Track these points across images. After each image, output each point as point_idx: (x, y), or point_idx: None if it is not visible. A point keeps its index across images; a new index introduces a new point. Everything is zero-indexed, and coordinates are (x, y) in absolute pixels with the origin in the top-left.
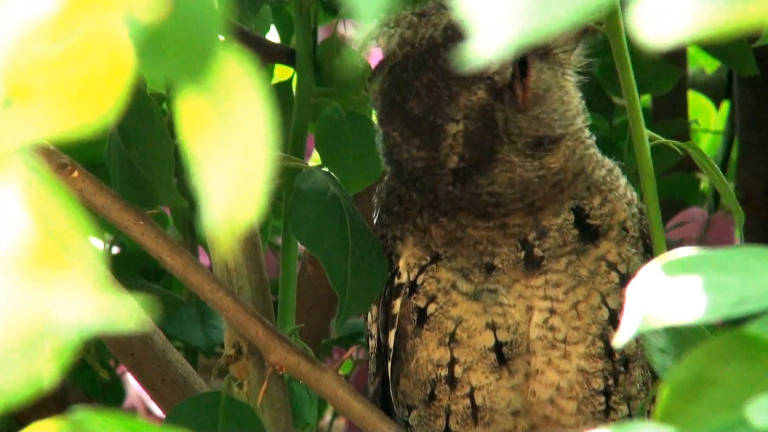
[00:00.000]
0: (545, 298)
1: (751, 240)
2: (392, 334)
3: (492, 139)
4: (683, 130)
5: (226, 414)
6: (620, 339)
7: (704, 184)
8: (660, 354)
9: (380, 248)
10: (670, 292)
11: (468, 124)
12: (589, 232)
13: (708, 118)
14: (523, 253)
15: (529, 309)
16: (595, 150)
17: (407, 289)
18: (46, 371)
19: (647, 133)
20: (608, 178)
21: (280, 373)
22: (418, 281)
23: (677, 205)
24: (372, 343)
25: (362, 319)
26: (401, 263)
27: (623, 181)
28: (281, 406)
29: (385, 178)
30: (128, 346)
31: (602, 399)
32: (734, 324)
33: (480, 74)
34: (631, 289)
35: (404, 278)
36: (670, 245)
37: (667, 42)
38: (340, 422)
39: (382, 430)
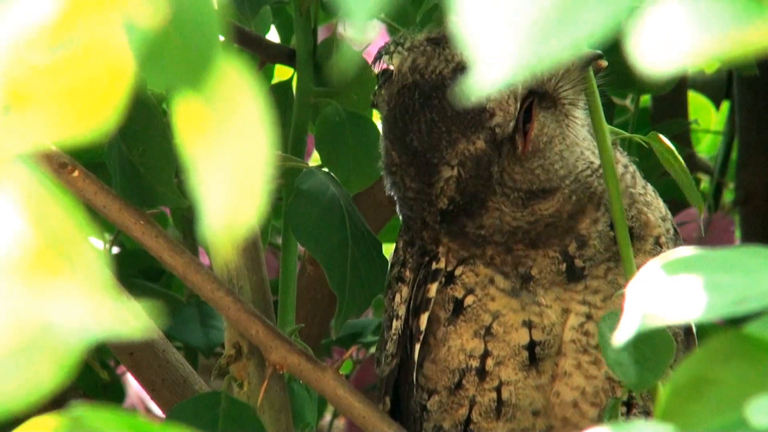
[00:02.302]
0: (583, 303)
1: (751, 240)
2: (425, 317)
3: (484, 189)
4: (683, 130)
5: (226, 414)
6: (620, 338)
7: (704, 184)
8: (614, 350)
9: (380, 248)
10: (670, 292)
11: (462, 171)
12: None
13: (708, 118)
14: (564, 265)
15: (565, 311)
16: (630, 168)
17: (443, 278)
18: (48, 377)
19: (609, 128)
20: (631, 181)
21: (281, 372)
22: (456, 272)
23: (677, 205)
24: (396, 324)
25: (362, 318)
26: (441, 249)
27: (650, 188)
28: (281, 406)
29: None
30: (128, 347)
31: (624, 410)
32: (734, 324)
33: (482, 122)
34: (632, 289)
35: (442, 264)
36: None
37: (668, 69)
38: (340, 422)
39: (383, 430)
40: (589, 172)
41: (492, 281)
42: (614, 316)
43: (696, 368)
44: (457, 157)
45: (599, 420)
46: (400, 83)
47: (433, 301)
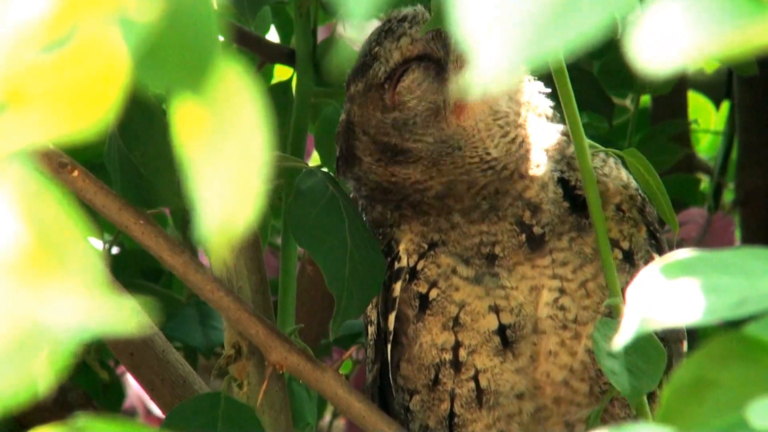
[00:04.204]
0: (554, 277)
1: (751, 240)
2: (392, 317)
3: (350, 133)
4: (683, 130)
5: (226, 415)
6: (620, 340)
7: (704, 185)
8: (609, 358)
9: (379, 249)
10: (669, 294)
11: (345, 115)
12: (578, 203)
13: (708, 118)
14: (523, 236)
15: (533, 289)
16: (532, 153)
17: (407, 275)
18: (43, 375)
19: (588, 142)
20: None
21: (280, 372)
22: (419, 267)
23: (677, 205)
24: (371, 329)
25: (362, 318)
26: (401, 247)
27: (612, 160)
28: (281, 406)
29: None
30: (128, 347)
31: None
32: (734, 325)
33: (367, 68)
34: (631, 291)
35: (404, 262)
36: (670, 246)
37: (667, 67)
38: (340, 422)
39: (382, 430)
40: (480, 165)
41: (454, 271)
42: (608, 324)
43: (696, 370)
44: (347, 100)
45: (591, 395)
46: None
47: (398, 300)
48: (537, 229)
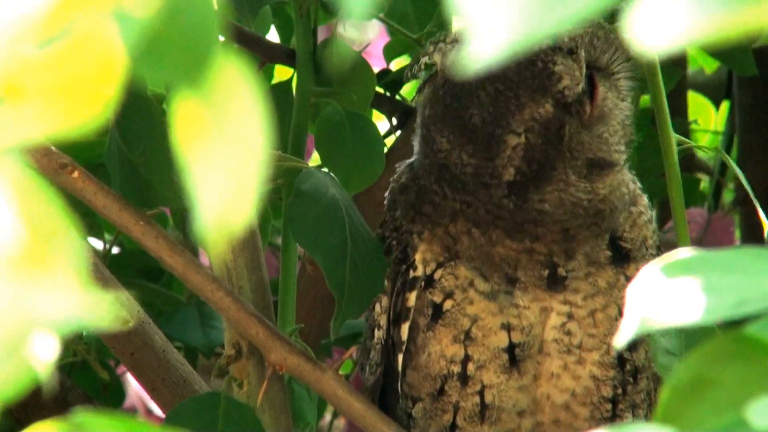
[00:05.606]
0: (564, 302)
1: (751, 240)
2: (406, 327)
3: (553, 153)
4: (683, 130)
5: (226, 415)
6: (620, 340)
7: (704, 184)
8: (666, 355)
9: (379, 250)
10: (669, 294)
11: (530, 137)
12: (620, 255)
13: (708, 118)
14: (547, 272)
15: (544, 311)
16: (634, 185)
17: (422, 283)
18: (38, 367)
19: (675, 137)
20: (633, 199)
21: (280, 373)
22: (436, 276)
23: None
24: (378, 333)
25: (362, 318)
26: (418, 257)
27: (645, 200)
28: (281, 406)
29: (405, 178)
30: (128, 347)
31: (609, 406)
32: (734, 325)
33: (548, 87)
34: (632, 291)
35: (420, 272)
36: (670, 246)
37: (664, 48)
38: (340, 422)
39: (382, 430)
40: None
41: (471, 284)
42: None
43: (696, 369)
44: (524, 123)
45: (591, 419)
46: (448, 73)
47: (412, 310)
48: (561, 271)
